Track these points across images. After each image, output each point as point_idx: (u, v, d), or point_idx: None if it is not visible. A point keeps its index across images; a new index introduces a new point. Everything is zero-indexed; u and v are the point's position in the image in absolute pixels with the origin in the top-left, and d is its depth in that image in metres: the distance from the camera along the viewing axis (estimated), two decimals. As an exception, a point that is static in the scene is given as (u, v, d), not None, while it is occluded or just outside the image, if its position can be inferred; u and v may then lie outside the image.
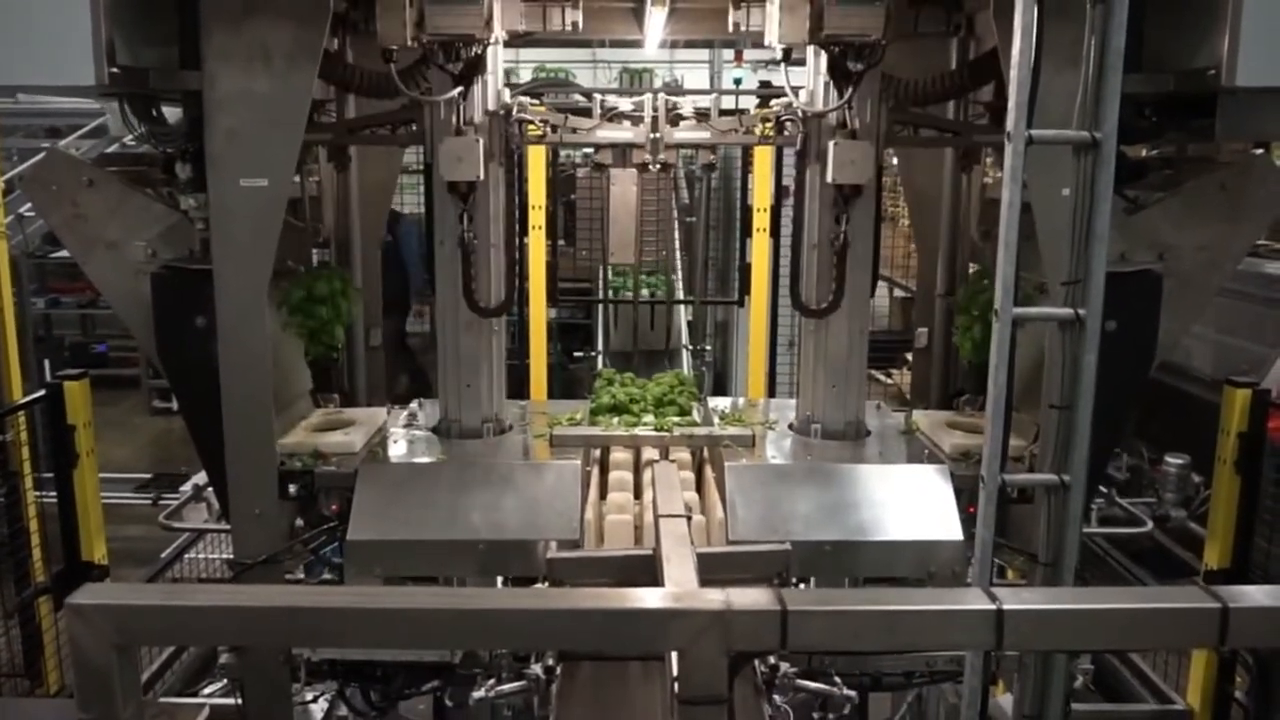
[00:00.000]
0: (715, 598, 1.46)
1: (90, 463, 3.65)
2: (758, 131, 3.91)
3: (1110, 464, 7.66)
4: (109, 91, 3.28)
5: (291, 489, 3.55)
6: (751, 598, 1.47)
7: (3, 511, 4.59)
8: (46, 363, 8.15)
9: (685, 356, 5.76)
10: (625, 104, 3.85)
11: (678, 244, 7.23)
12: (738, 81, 10.74)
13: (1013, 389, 2.61)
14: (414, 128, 3.88)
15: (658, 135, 3.85)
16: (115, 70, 3.05)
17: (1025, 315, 2.62)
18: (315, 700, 3.75)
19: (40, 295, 9.69)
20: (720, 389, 8.86)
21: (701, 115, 3.87)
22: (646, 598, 1.51)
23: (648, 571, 2.37)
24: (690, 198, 9.15)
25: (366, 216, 4.56)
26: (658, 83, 10.48)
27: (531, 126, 3.87)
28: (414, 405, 4.36)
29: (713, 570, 2.44)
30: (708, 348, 5.10)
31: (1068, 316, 2.61)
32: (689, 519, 2.70)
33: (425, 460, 3.78)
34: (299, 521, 3.73)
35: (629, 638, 1.61)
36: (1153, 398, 7.61)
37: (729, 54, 11.10)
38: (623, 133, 3.87)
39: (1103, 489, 3.94)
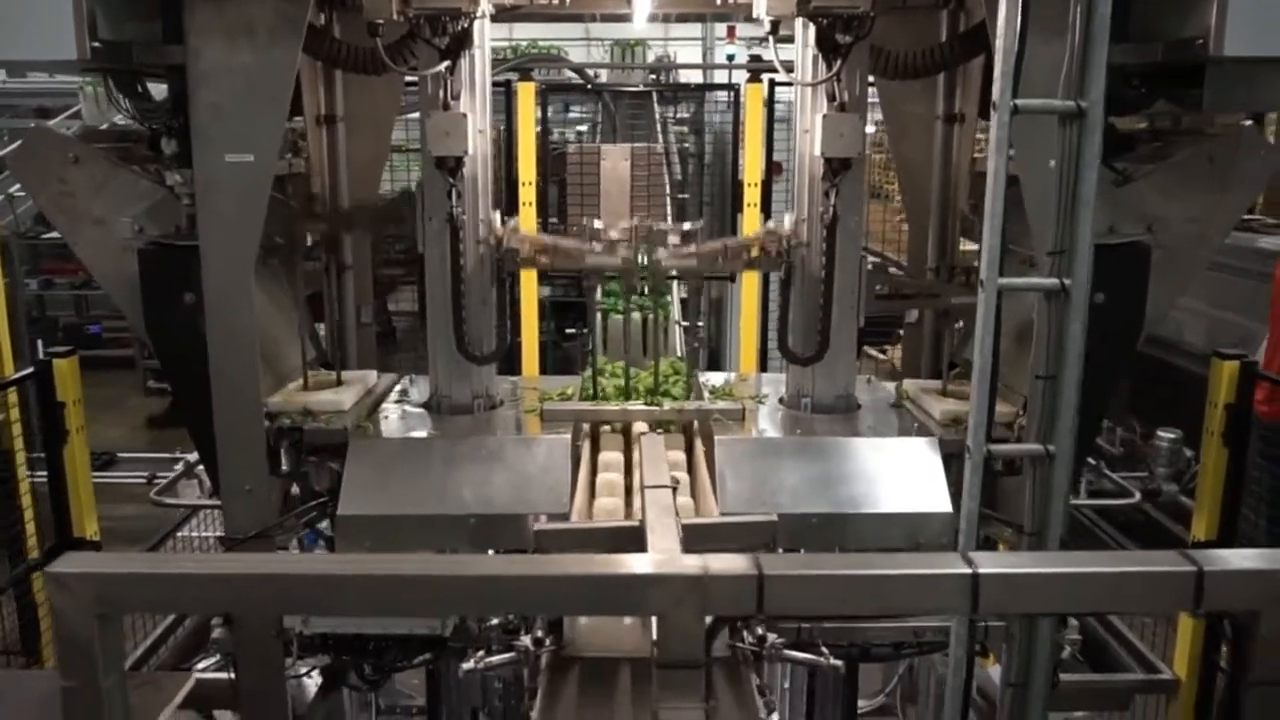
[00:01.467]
0: (693, 564, 1.47)
1: (80, 439, 3.65)
2: (744, 256, 3.91)
3: (1101, 436, 7.74)
4: (91, 66, 3.27)
5: (281, 449, 3.57)
6: (728, 563, 1.48)
7: (-1, 490, 4.60)
8: (39, 343, 8.13)
9: (677, 333, 5.74)
10: (614, 232, 3.86)
11: (669, 220, 7.23)
12: (730, 58, 10.72)
13: (998, 356, 2.62)
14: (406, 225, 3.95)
15: (644, 261, 3.83)
16: (97, 45, 3.03)
17: (1010, 285, 2.62)
18: (309, 673, 3.77)
19: (33, 276, 9.68)
20: (715, 365, 8.88)
21: (688, 237, 3.87)
22: (625, 564, 1.52)
23: (635, 542, 2.37)
24: (684, 174, 9.12)
25: (356, 193, 4.54)
26: (650, 57, 10.44)
27: (522, 251, 3.86)
28: (405, 381, 4.37)
29: (699, 541, 2.44)
30: (700, 324, 5.10)
31: (1053, 287, 2.61)
32: (674, 489, 2.72)
33: (415, 435, 3.79)
34: (295, 490, 3.76)
35: (608, 603, 1.62)
36: (1145, 372, 7.65)
37: (721, 30, 11.08)
38: (611, 259, 3.85)
39: (1091, 460, 3.95)
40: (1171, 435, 6.84)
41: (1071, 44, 2.56)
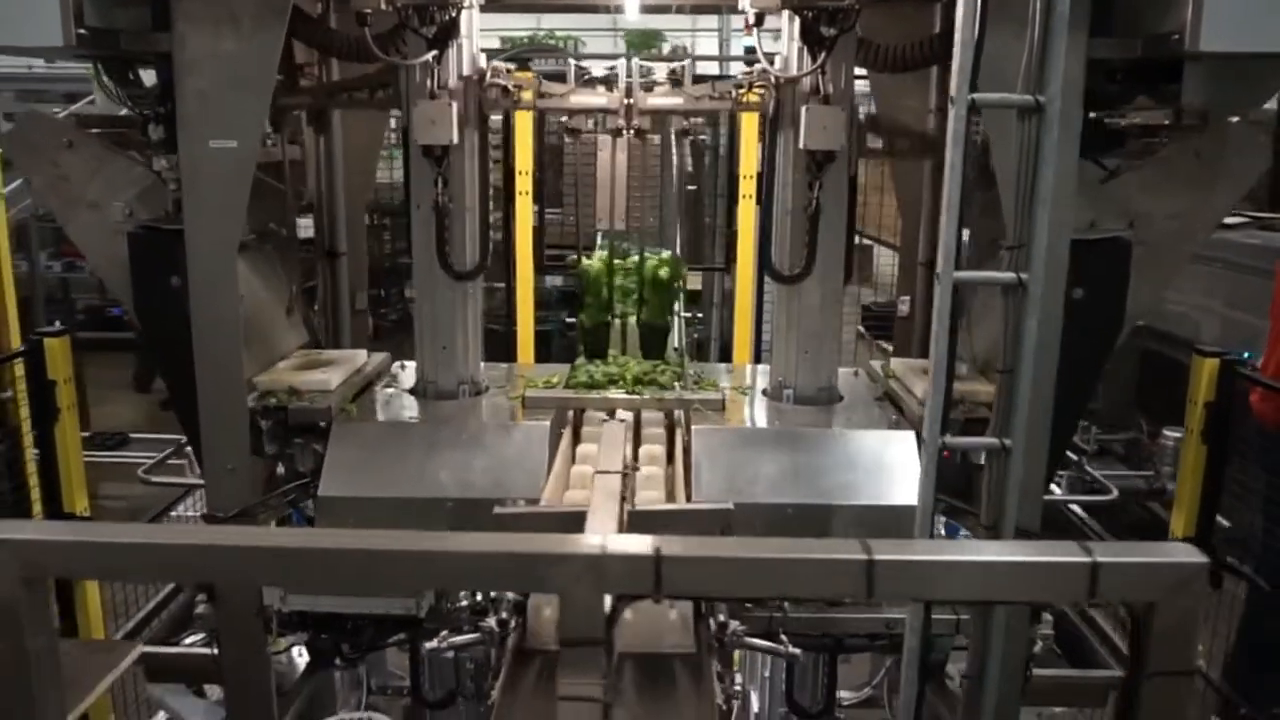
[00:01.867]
0: (592, 543, 1.50)
1: (71, 417, 3.74)
2: (731, 96, 3.90)
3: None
4: (80, 53, 3.34)
5: (267, 427, 3.65)
6: (627, 543, 1.51)
7: (4, 467, 4.71)
8: (57, 324, 8.30)
9: (677, 324, 5.77)
10: (599, 69, 3.85)
11: (676, 212, 7.23)
12: (749, 50, 10.67)
13: (954, 349, 2.62)
14: (390, 91, 3.93)
15: (631, 101, 3.85)
16: (83, 31, 3.10)
17: (966, 279, 2.62)
18: (290, 649, 3.85)
19: (56, 259, 9.83)
20: (726, 356, 8.88)
21: (675, 81, 3.87)
22: (528, 543, 1.55)
23: (580, 526, 2.41)
24: (699, 167, 9.11)
25: (351, 180, 4.60)
26: (665, 49, 10.45)
27: (504, 92, 3.88)
28: (395, 367, 4.43)
29: (650, 528, 2.47)
30: (699, 315, 5.15)
31: (1010, 281, 2.61)
32: (625, 475, 2.75)
33: (398, 419, 3.85)
34: (280, 470, 3.84)
35: (509, 580, 1.67)
36: (1156, 370, 7.56)
37: (740, 22, 11.00)
38: (596, 99, 3.87)
39: (1072, 456, 3.94)
40: (1177, 434, 6.75)
41: (1031, 38, 2.55)
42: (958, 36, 2.56)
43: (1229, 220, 8.10)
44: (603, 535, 1.53)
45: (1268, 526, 4.88)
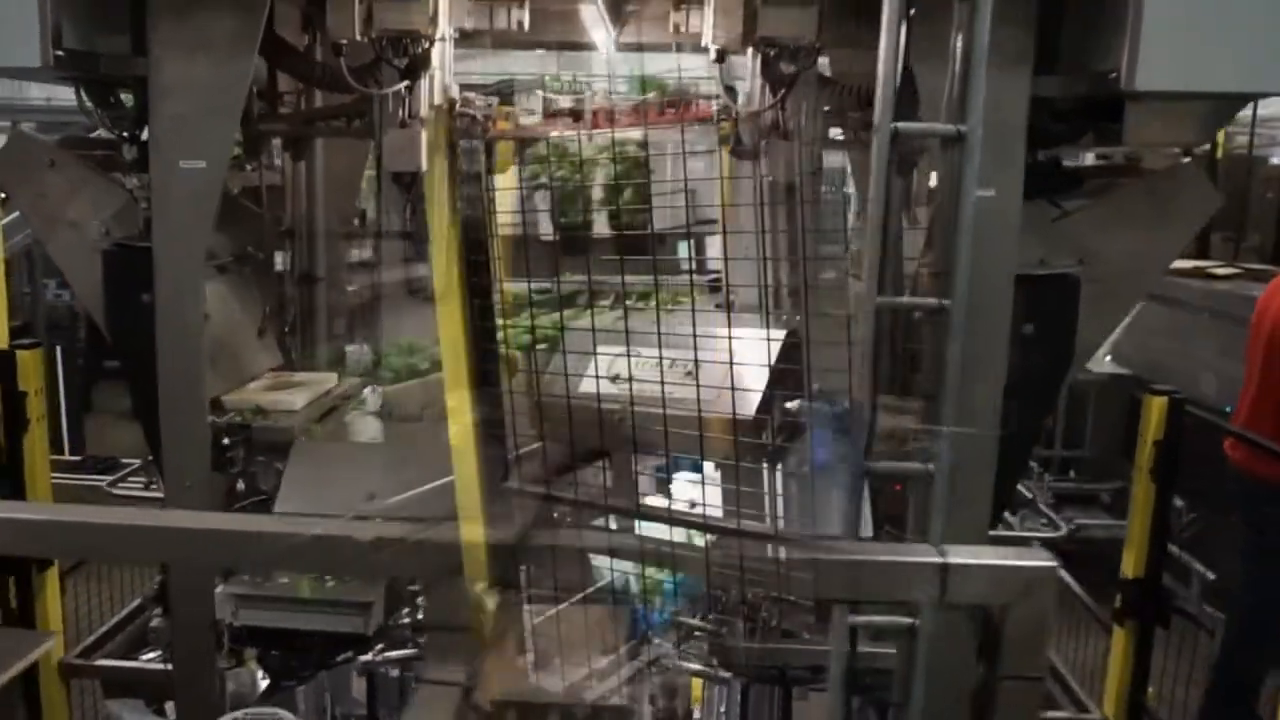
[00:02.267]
0: (455, 534, 1.55)
1: (40, 429, 3.82)
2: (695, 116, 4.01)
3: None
4: (59, 75, 3.47)
5: (231, 446, 3.71)
6: (491, 534, 1.56)
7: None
8: (58, 350, 8.44)
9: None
10: (565, 100, 3.97)
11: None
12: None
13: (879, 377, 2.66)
14: (367, 120, 4.05)
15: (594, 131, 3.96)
16: (60, 53, 3.22)
17: (892, 304, 2.67)
18: (246, 665, 3.86)
19: (64, 288, 9.97)
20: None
21: (637, 110, 3.98)
22: (402, 532, 1.60)
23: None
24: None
25: (332, 206, 4.71)
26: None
27: (474, 121, 3.99)
28: (366, 391, 4.49)
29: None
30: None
31: (933, 307, 2.65)
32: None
33: (357, 440, 3.91)
34: (240, 485, 3.89)
35: (386, 567, 1.71)
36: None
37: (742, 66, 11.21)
38: (563, 130, 3.98)
39: (1028, 494, 3.94)
40: (1163, 485, 6.70)
41: (952, 70, 2.61)
42: (880, 68, 2.63)
43: (1222, 272, 8.11)
44: (470, 527, 1.58)
45: (1244, 570, 4.84)
